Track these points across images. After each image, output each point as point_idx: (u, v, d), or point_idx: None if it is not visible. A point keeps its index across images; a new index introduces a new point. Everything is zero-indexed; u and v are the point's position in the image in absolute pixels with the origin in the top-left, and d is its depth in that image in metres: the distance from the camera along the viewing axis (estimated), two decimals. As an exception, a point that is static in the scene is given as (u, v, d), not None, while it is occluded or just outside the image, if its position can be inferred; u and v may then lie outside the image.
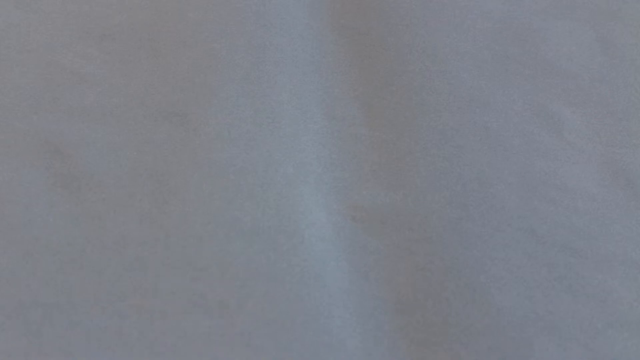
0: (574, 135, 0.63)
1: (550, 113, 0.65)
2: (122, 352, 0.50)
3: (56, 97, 0.62)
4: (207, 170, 0.58)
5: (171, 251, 0.54)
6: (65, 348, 0.50)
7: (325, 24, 0.70)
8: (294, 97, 0.64)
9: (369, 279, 0.55)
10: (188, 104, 0.62)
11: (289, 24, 0.69)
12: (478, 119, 0.64)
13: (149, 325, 0.51)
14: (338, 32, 0.70)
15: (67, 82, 0.63)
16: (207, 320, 0.51)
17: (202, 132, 0.60)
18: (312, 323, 0.51)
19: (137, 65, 0.65)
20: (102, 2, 0.69)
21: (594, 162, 0.62)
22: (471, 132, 0.63)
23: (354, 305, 0.53)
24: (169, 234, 0.55)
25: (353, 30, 0.70)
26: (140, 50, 0.66)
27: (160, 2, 0.69)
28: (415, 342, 0.52)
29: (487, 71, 0.67)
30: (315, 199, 0.58)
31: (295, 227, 0.55)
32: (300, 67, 0.66)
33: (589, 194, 0.60)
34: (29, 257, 0.53)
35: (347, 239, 0.56)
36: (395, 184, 0.60)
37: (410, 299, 0.54)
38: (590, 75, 0.68)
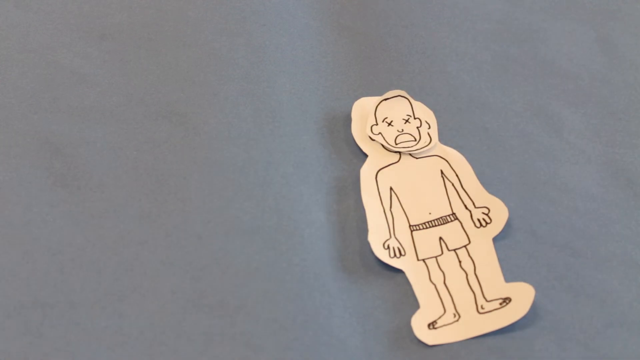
0: (574, 135, 0.63)
1: (550, 113, 0.65)
2: (122, 352, 0.50)
3: (56, 97, 0.62)
4: (207, 170, 0.58)
5: (171, 251, 0.54)
6: (65, 348, 0.50)
7: (325, 24, 0.70)
8: (294, 97, 0.64)
9: (369, 278, 0.55)
10: (188, 104, 0.62)
11: (289, 23, 0.69)
12: (478, 119, 0.64)
13: (149, 325, 0.51)
14: (338, 32, 0.70)
15: (67, 82, 0.63)
16: (207, 320, 0.51)
17: (202, 131, 0.60)
18: (312, 323, 0.51)
19: (137, 65, 0.65)
20: (102, 2, 0.69)
21: (594, 162, 0.62)
22: (471, 132, 0.63)
23: (354, 305, 0.53)
24: (169, 234, 0.55)
25: (353, 30, 0.70)
26: (140, 50, 0.66)
27: (160, 2, 0.69)
28: (415, 341, 0.52)
29: (487, 71, 0.67)
30: (315, 199, 0.58)
31: (294, 227, 0.55)
32: (300, 67, 0.66)
33: (589, 194, 0.60)
34: (29, 257, 0.53)
35: (346, 238, 0.57)
36: (395, 184, 0.60)
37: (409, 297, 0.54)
38: (590, 75, 0.68)
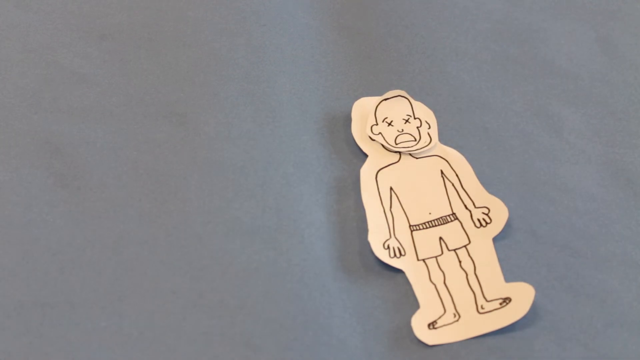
0: (574, 135, 0.63)
1: (550, 113, 0.65)
2: (122, 352, 0.50)
3: (56, 97, 0.62)
4: (207, 170, 0.58)
5: (171, 251, 0.54)
6: (65, 348, 0.50)
7: (325, 24, 0.70)
8: (294, 97, 0.64)
9: (369, 278, 0.55)
10: (188, 104, 0.62)
11: (288, 23, 0.69)
12: (478, 119, 0.64)
13: (149, 325, 0.51)
14: (338, 32, 0.70)
15: (67, 82, 0.63)
16: (207, 320, 0.51)
17: (202, 132, 0.60)
18: (312, 323, 0.51)
19: (137, 65, 0.65)
20: (102, 2, 0.69)
21: (594, 162, 0.62)
22: (471, 132, 0.63)
23: (354, 305, 0.53)
24: (169, 234, 0.55)
25: (353, 30, 0.70)
26: (140, 50, 0.66)
27: (160, 2, 0.69)
28: (415, 341, 0.52)
29: (487, 71, 0.67)
30: (315, 199, 0.58)
31: (294, 227, 0.55)
32: (300, 67, 0.66)
33: (589, 194, 0.60)
34: (29, 257, 0.53)
35: (346, 238, 0.57)
36: (395, 184, 0.60)
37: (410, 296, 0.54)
38: (590, 75, 0.68)
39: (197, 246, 0.54)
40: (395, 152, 0.61)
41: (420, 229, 0.57)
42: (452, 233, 0.57)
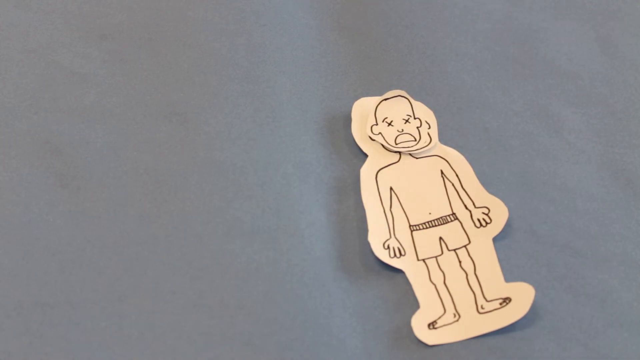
0: (574, 135, 0.63)
1: (550, 113, 0.65)
2: (122, 352, 0.50)
3: (56, 97, 0.62)
4: (207, 170, 0.58)
5: (171, 251, 0.54)
6: (65, 348, 0.50)
7: (325, 24, 0.70)
8: (294, 97, 0.64)
9: (369, 278, 0.55)
10: (188, 104, 0.62)
11: (288, 23, 0.69)
12: (478, 119, 0.64)
13: (149, 325, 0.51)
14: (338, 32, 0.70)
15: (67, 82, 0.63)
16: (207, 320, 0.51)
17: (202, 131, 0.60)
18: (312, 323, 0.51)
19: (137, 65, 0.65)
20: (102, 2, 0.69)
21: (594, 162, 0.62)
22: (471, 132, 0.63)
23: (354, 305, 0.53)
24: (169, 234, 0.55)
25: (353, 30, 0.70)
26: (140, 50, 0.66)
27: (160, 2, 0.69)
28: (415, 341, 0.52)
29: (487, 71, 0.67)
30: (315, 199, 0.58)
31: (294, 227, 0.55)
32: (300, 67, 0.66)
33: (589, 194, 0.60)
34: (29, 257, 0.53)
35: (346, 238, 0.57)
36: (395, 184, 0.60)
37: (409, 298, 0.54)
38: (590, 75, 0.68)
39: (197, 246, 0.54)
40: (395, 152, 0.61)
41: (420, 229, 0.57)
42: (452, 233, 0.57)
